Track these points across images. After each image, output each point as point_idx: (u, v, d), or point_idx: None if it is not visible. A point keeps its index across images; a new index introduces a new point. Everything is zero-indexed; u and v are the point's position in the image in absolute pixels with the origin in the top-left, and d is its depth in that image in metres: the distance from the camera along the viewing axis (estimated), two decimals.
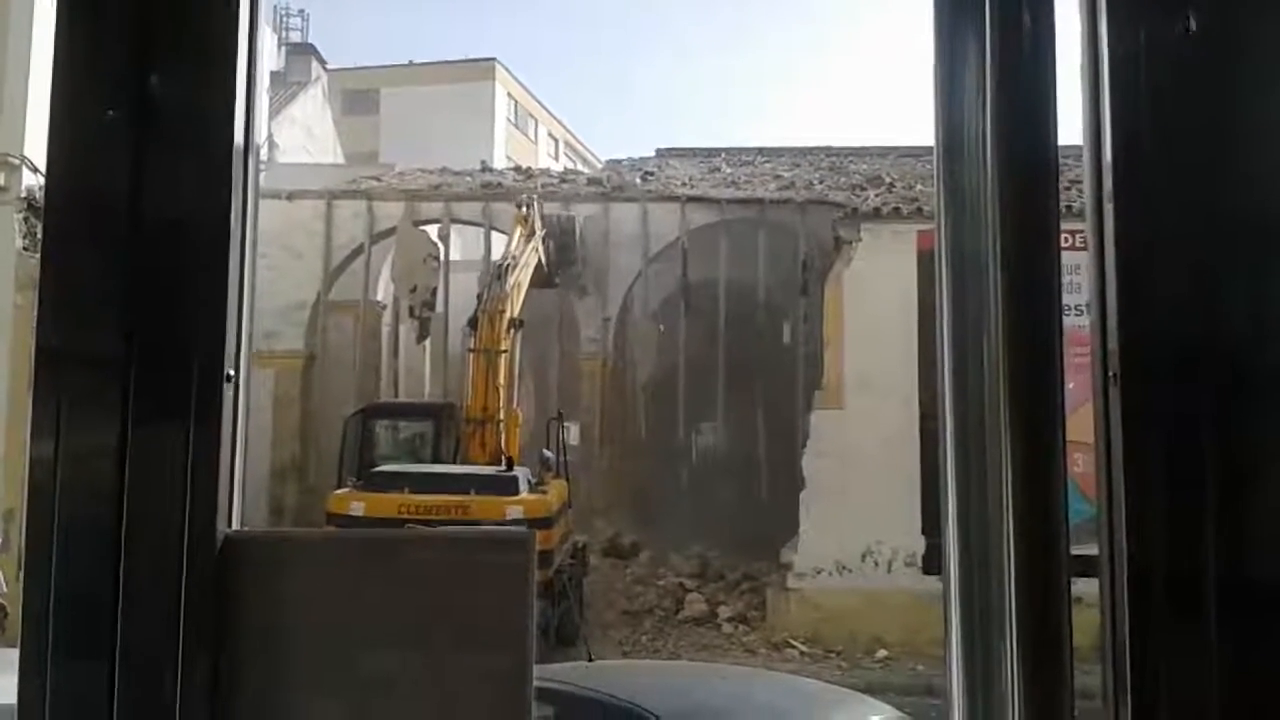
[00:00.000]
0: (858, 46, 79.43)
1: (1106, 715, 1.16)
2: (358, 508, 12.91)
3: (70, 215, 1.18)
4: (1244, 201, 1.17)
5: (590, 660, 8.17)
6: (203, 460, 1.16)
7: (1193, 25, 1.18)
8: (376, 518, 12.39)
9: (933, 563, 14.36)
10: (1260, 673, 1.12)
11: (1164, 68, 1.18)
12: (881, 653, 14.47)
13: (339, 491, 14.12)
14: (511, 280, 15.59)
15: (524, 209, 17.02)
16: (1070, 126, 1.27)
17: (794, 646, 14.68)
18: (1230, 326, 1.16)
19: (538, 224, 17.09)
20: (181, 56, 1.19)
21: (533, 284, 16.77)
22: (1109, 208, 1.20)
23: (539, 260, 16.97)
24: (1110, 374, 1.18)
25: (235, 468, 1.19)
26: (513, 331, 15.44)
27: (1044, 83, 1.25)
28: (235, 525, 1.19)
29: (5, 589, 12.44)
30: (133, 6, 1.18)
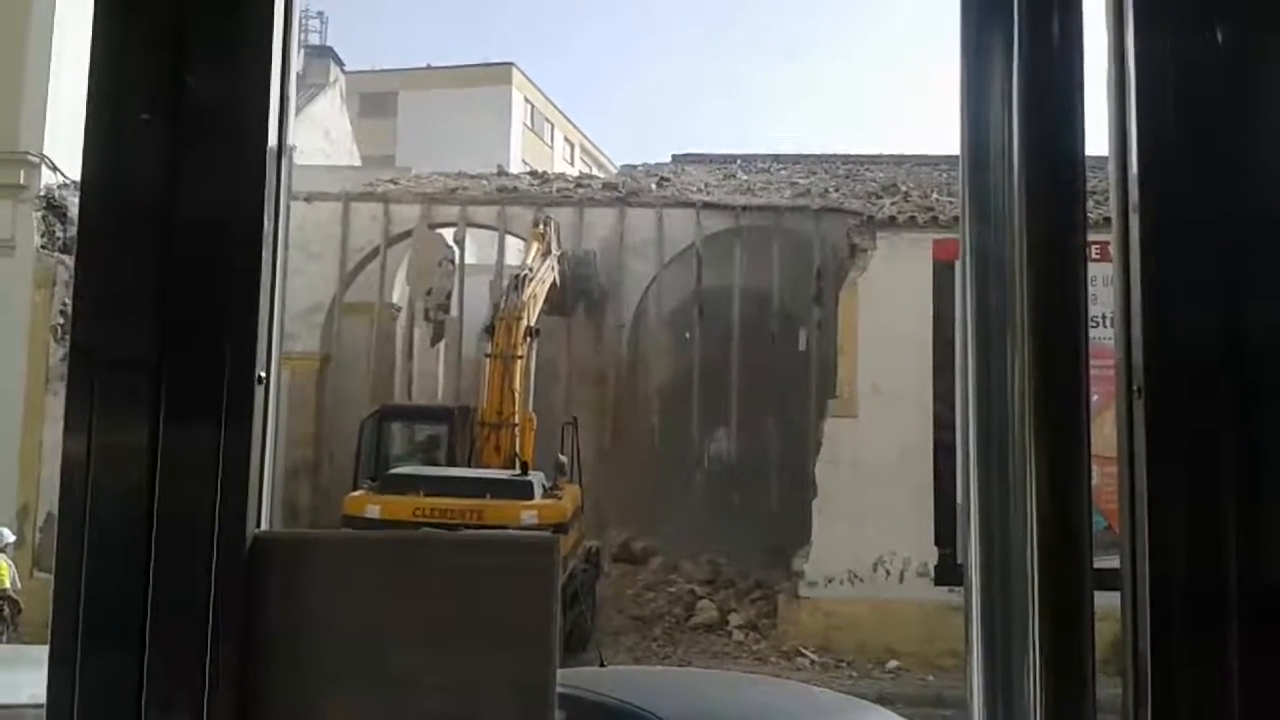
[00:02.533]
0: (876, 54, 79.41)
1: None
2: (373, 510, 12.95)
3: (105, 216, 1.19)
4: (1271, 214, 1.17)
5: (602, 665, 8.16)
6: (234, 461, 1.17)
7: (1219, 37, 1.18)
8: (392, 520, 12.42)
9: (945, 574, 14.32)
10: None
11: (1191, 79, 1.18)
12: (892, 663, 14.43)
13: (355, 493, 14.16)
14: (528, 291, 15.69)
15: (541, 227, 17.15)
16: (1094, 137, 1.27)
17: (805, 655, 14.64)
18: (1256, 340, 1.15)
19: (554, 244, 17.20)
20: (217, 58, 1.20)
21: (548, 308, 16.89)
22: (1134, 219, 1.20)
23: (554, 280, 17.08)
24: (1135, 388, 1.17)
25: (265, 469, 1.20)
26: (529, 339, 15.52)
27: (1071, 93, 1.25)
28: (264, 525, 1.20)
29: (19, 585, 12.50)
30: (169, 10, 1.19)
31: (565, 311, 18.71)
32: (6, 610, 12.38)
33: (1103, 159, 1.27)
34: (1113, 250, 1.23)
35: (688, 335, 19.56)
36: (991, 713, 1.21)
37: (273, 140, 1.21)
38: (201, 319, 1.19)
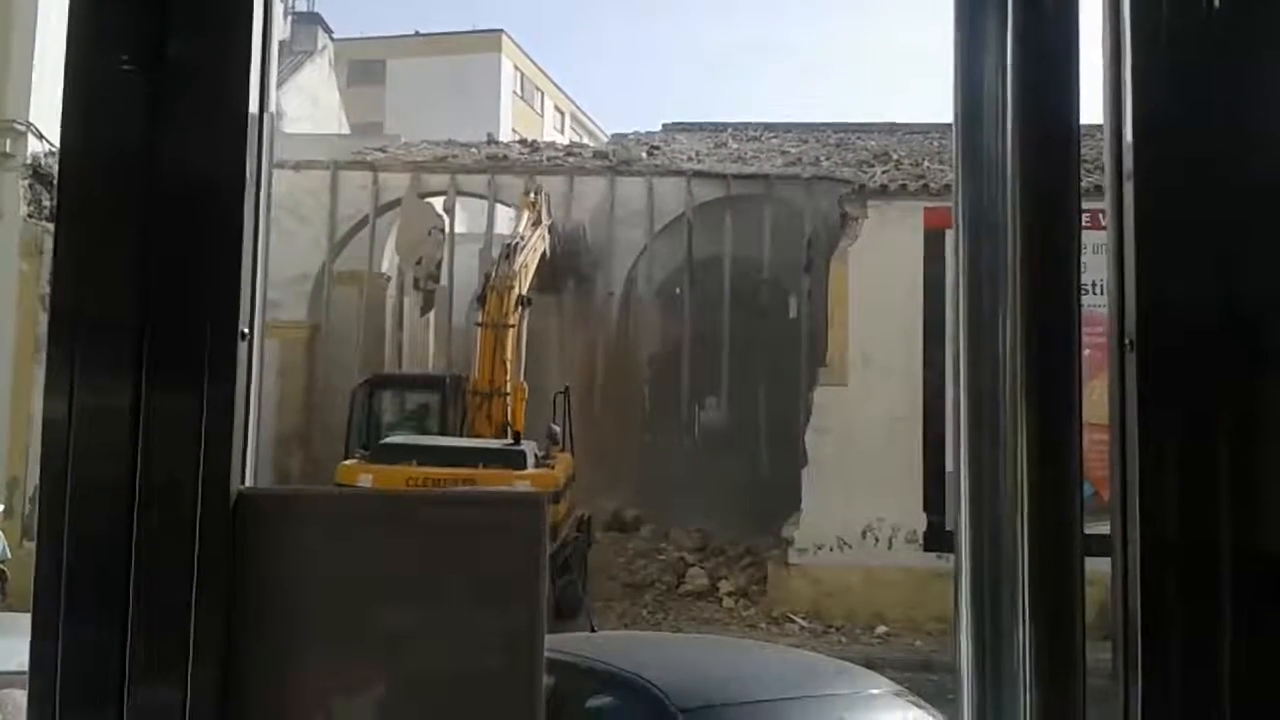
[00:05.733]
0: (868, 21, 79.05)
1: (1117, 693, 1.16)
2: (366, 479, 13.01)
3: (86, 174, 1.18)
4: (1265, 181, 1.16)
5: (594, 631, 8.20)
6: (217, 417, 1.16)
7: (1216, 3, 1.17)
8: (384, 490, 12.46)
9: (934, 540, 14.41)
10: (1273, 652, 1.12)
11: (1187, 45, 1.17)
12: (881, 628, 14.54)
13: (347, 463, 14.20)
14: (519, 260, 15.69)
15: (532, 196, 17.11)
16: (1088, 104, 1.26)
17: (794, 621, 14.74)
18: (1248, 304, 1.15)
19: (544, 214, 17.18)
20: (198, 17, 1.18)
21: (538, 283, 16.87)
22: (1129, 186, 1.19)
23: (545, 250, 17.06)
24: (1126, 342, 1.17)
25: (249, 425, 1.20)
26: (520, 309, 15.52)
27: (1067, 58, 1.24)
28: (249, 482, 1.20)
29: (9, 555, 12.52)
30: None
31: (555, 288, 18.67)
32: None
33: (1096, 126, 1.26)
34: (1107, 216, 1.22)
35: (678, 290, 19.57)
36: (980, 678, 1.21)
37: (255, 95, 1.20)
38: (184, 275, 1.17)
